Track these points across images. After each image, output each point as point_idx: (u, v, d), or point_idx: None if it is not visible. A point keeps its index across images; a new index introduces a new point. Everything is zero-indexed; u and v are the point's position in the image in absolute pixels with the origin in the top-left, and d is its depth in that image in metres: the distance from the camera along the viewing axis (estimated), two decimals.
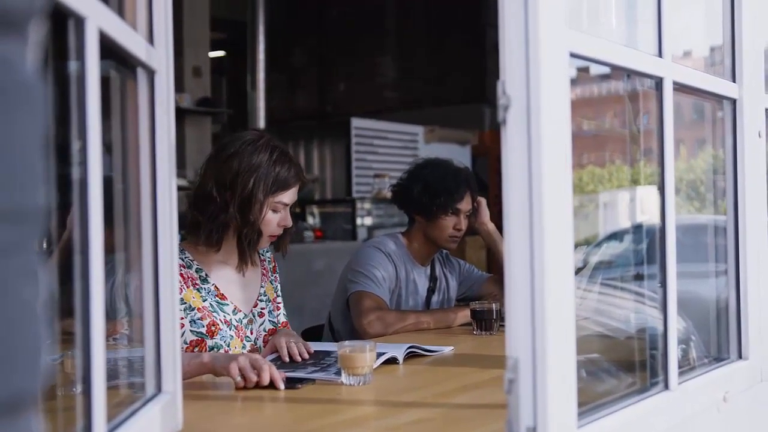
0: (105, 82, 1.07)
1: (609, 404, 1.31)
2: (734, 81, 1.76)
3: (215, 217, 2.14)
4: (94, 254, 0.95)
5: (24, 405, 0.59)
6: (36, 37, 0.61)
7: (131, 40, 1.17)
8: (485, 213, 2.98)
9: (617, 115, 1.86)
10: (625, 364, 1.64)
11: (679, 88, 1.52)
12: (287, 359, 2.03)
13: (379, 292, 2.73)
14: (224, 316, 2.18)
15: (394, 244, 2.89)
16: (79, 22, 0.93)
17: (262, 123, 7.48)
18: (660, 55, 1.45)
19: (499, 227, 2.74)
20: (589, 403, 1.24)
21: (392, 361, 2.06)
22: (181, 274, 2.13)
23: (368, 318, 2.64)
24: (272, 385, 1.77)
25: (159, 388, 1.32)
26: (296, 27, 9.27)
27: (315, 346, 2.15)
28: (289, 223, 2.23)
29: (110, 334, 1.23)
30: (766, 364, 1.81)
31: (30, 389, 0.59)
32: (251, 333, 2.24)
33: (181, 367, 1.39)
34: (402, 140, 7.73)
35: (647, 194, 1.63)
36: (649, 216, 1.67)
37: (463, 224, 2.88)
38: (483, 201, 2.99)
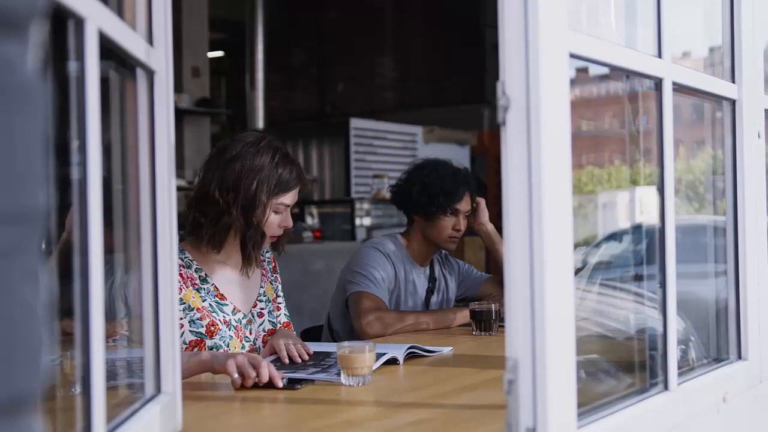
0: (104, 83, 1.07)
1: (608, 405, 1.31)
2: (733, 82, 1.76)
3: (218, 219, 2.14)
4: (94, 255, 0.95)
5: (24, 405, 0.59)
6: (36, 38, 0.61)
7: (131, 41, 1.17)
8: (484, 213, 2.98)
9: (616, 115, 1.86)
10: (624, 365, 1.64)
11: (679, 88, 1.52)
12: (287, 361, 2.02)
13: (378, 293, 2.73)
14: (223, 317, 2.17)
15: (393, 245, 2.89)
16: (79, 22, 0.93)
17: (261, 123, 7.49)
18: (659, 55, 1.45)
19: (499, 228, 2.74)
20: (588, 404, 1.24)
21: (392, 361, 2.05)
22: (181, 275, 2.13)
23: (367, 318, 2.64)
24: (271, 386, 1.76)
25: (158, 389, 1.32)
26: (295, 27, 9.27)
27: (314, 347, 2.14)
28: (290, 224, 2.23)
29: (110, 335, 1.23)
30: (766, 365, 1.81)
31: (30, 390, 0.59)
32: (250, 333, 2.24)
33: (180, 366, 1.38)
34: (401, 141, 7.72)
35: (646, 195, 1.63)
36: (648, 216, 1.67)
37: (462, 225, 2.88)
38: (482, 201, 2.99)
